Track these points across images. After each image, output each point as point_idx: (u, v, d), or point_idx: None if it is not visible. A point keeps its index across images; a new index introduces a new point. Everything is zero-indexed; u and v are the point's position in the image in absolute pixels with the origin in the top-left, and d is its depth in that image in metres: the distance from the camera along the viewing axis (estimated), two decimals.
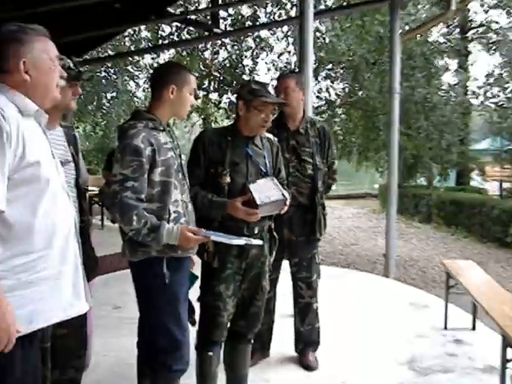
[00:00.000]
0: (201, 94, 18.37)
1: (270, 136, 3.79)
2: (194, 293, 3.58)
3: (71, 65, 3.08)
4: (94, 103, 20.58)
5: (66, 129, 3.25)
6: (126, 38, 18.57)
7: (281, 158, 3.85)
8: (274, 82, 4.78)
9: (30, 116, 2.33)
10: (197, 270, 3.54)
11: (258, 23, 17.09)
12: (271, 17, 17.10)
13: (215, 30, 10.99)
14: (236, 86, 4.50)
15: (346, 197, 26.62)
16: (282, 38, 17.50)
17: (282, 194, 3.52)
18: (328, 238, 15.17)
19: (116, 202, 2.97)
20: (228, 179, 3.52)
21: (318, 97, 17.04)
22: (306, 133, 4.42)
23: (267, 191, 3.49)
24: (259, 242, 3.35)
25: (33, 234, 2.24)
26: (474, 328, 5.48)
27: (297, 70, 6.29)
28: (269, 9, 17.17)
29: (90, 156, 21.11)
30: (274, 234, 3.79)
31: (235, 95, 3.87)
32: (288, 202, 3.58)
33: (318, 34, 15.99)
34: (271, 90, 3.66)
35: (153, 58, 18.60)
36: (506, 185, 20.77)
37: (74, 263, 2.42)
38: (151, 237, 2.95)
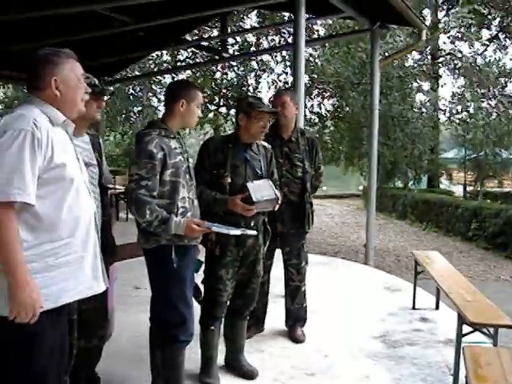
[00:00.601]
0: (212, 108, 18.42)
1: (265, 144, 3.79)
2: (200, 277, 3.60)
3: (96, 82, 3.09)
4: (123, 116, 20.59)
5: (92, 137, 3.25)
6: (150, 61, 18.59)
7: (274, 162, 3.85)
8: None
9: (58, 125, 2.35)
10: (201, 256, 3.54)
11: (260, 48, 17.10)
12: (272, 43, 17.11)
13: (224, 54, 11.00)
14: (235, 102, 4.50)
15: (335, 196, 26.68)
16: (281, 61, 17.51)
17: (275, 194, 3.53)
18: (318, 231, 15.19)
19: (132, 198, 3.00)
20: (229, 180, 3.53)
21: (311, 111, 17.05)
22: (297, 141, 4.40)
23: (263, 191, 3.48)
24: (254, 232, 3.35)
25: (59, 225, 2.26)
26: (437, 308, 5.46)
27: (292, 88, 6.27)
28: (270, 37, 17.20)
29: (119, 160, 21.13)
30: (268, 227, 3.79)
31: (235, 109, 3.87)
32: (279, 201, 3.59)
33: (311, 59, 16.03)
34: (265, 102, 3.67)
35: (172, 78, 18.56)
36: (469, 188, 20.89)
37: (94, 250, 2.43)
38: (161, 228, 2.96)
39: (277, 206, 3.60)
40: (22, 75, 2.57)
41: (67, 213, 2.27)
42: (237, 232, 3.11)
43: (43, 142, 2.19)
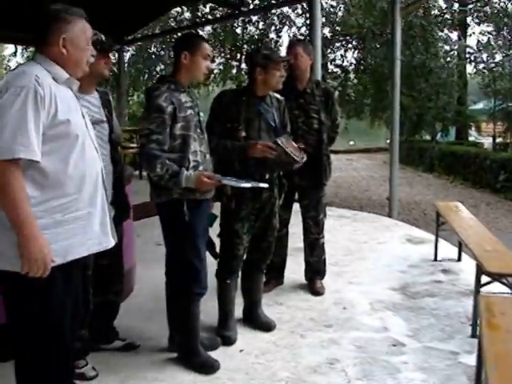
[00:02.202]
0: (234, 64, 18.23)
1: (278, 96, 3.74)
2: (215, 231, 3.62)
3: (103, 38, 3.06)
4: (146, 75, 20.54)
5: (102, 93, 3.24)
6: (171, 19, 18.44)
7: (287, 114, 3.80)
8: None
9: (62, 82, 2.33)
10: (217, 211, 3.55)
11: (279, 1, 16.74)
12: None
13: (242, 8, 10.82)
14: (246, 56, 4.42)
15: (363, 151, 26.46)
16: (301, 14, 17.13)
17: (298, 158, 3.48)
18: (344, 185, 15.14)
19: (143, 152, 3.01)
20: (243, 133, 3.50)
21: (333, 64, 16.76)
22: (312, 92, 4.33)
23: (290, 146, 3.44)
24: (265, 185, 3.31)
25: (65, 181, 2.27)
26: (459, 260, 5.41)
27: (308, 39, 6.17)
28: None
29: None
30: (283, 180, 3.77)
31: (248, 63, 3.80)
32: (300, 162, 3.53)
33: (332, 10, 15.67)
34: (279, 52, 3.63)
35: None
36: (499, 140, 20.50)
37: (102, 206, 2.43)
38: (172, 181, 2.97)
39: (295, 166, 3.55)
40: (29, 36, 2.55)
41: (73, 169, 2.27)
42: (247, 184, 3.09)
43: (46, 98, 2.18)
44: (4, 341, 2.46)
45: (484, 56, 16.29)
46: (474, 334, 3.62)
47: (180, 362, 3.31)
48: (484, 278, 3.64)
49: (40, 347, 2.34)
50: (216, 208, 3.54)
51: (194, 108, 3.15)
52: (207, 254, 3.38)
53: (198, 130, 3.14)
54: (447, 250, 5.75)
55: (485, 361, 2.14)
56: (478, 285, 3.67)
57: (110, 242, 2.49)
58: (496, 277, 3.55)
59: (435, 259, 5.47)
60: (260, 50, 3.66)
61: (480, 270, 3.63)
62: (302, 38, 16.66)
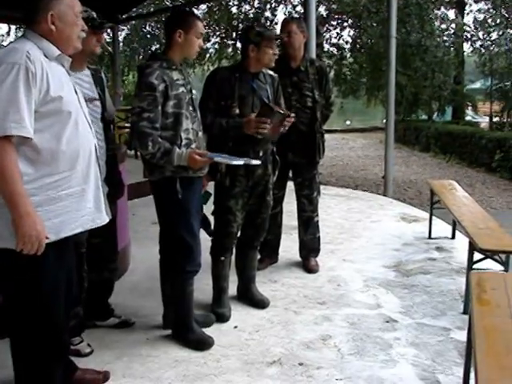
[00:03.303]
0: (230, 43, 18.07)
1: (271, 72, 3.73)
2: (210, 208, 3.63)
3: (94, 16, 3.04)
4: (141, 55, 20.39)
5: (94, 71, 3.22)
6: None
7: (281, 91, 3.80)
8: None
9: (53, 59, 2.32)
10: (211, 188, 3.56)
11: None
12: None
13: None
14: (240, 33, 4.39)
15: (359, 130, 26.36)
16: None
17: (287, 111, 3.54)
18: (340, 164, 15.13)
19: (134, 130, 3.00)
20: (237, 110, 3.50)
21: (329, 43, 16.64)
22: (306, 70, 4.32)
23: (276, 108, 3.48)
24: (257, 161, 3.32)
25: (58, 158, 2.27)
26: (453, 237, 5.45)
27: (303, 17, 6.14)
28: None
29: None
30: (276, 157, 3.77)
31: (241, 40, 3.79)
32: (290, 119, 3.53)
33: None
34: (270, 28, 3.62)
35: None
36: (495, 119, 20.45)
37: (95, 183, 2.44)
38: (164, 159, 2.97)
39: (288, 124, 3.53)
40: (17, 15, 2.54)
41: (66, 145, 2.27)
42: (240, 162, 3.09)
43: (37, 75, 2.17)
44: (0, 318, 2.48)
45: (480, 34, 16.16)
46: (466, 311, 3.66)
47: (174, 339, 3.34)
48: (477, 255, 3.67)
49: (33, 324, 2.36)
50: (210, 186, 3.56)
51: (186, 86, 3.14)
52: (202, 231, 3.40)
53: (191, 108, 3.14)
54: (441, 228, 5.78)
55: (473, 334, 2.17)
56: (471, 262, 3.69)
57: (104, 219, 2.50)
58: (488, 254, 3.58)
59: (429, 237, 5.50)
60: (253, 27, 3.64)
61: (473, 247, 3.65)
62: (298, 16, 16.56)
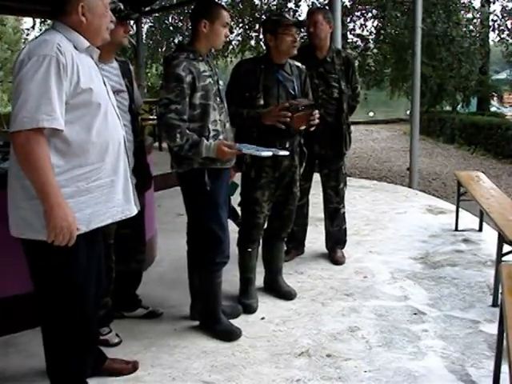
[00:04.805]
0: (253, 35, 17.96)
1: (299, 64, 3.70)
2: (237, 199, 3.64)
3: (122, 7, 3.04)
4: (164, 47, 20.42)
5: (122, 63, 3.23)
6: None
7: (308, 83, 3.76)
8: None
9: (83, 51, 2.34)
10: (238, 180, 3.56)
11: None
12: None
13: None
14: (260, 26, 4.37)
15: (383, 121, 26.15)
16: None
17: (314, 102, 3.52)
18: (364, 156, 15.04)
19: (162, 122, 2.99)
20: (262, 101, 3.48)
21: (353, 34, 16.44)
22: (332, 61, 4.29)
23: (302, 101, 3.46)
24: (285, 152, 3.28)
25: (88, 150, 2.28)
26: (480, 230, 5.37)
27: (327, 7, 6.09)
28: None
29: None
30: (304, 148, 3.75)
31: (262, 33, 3.77)
32: (317, 112, 3.49)
33: None
34: (287, 16, 3.59)
35: None
36: None
37: (124, 174, 2.45)
38: (192, 151, 2.96)
39: (316, 116, 3.49)
40: (46, 8, 2.53)
41: (96, 137, 2.29)
42: (268, 153, 3.07)
43: (68, 67, 2.18)
44: (32, 308, 2.51)
45: (508, 23, 15.81)
46: (495, 303, 3.62)
47: (202, 330, 3.35)
48: (506, 248, 3.62)
49: (64, 313, 2.39)
50: (237, 177, 3.56)
51: (213, 76, 3.13)
52: (230, 222, 3.40)
53: (218, 99, 3.13)
54: (468, 220, 5.71)
55: (506, 328, 2.14)
56: (500, 254, 3.64)
57: (133, 210, 2.51)
58: None
59: (456, 229, 5.43)
60: (270, 17, 3.62)
61: (502, 239, 3.60)
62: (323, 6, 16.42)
